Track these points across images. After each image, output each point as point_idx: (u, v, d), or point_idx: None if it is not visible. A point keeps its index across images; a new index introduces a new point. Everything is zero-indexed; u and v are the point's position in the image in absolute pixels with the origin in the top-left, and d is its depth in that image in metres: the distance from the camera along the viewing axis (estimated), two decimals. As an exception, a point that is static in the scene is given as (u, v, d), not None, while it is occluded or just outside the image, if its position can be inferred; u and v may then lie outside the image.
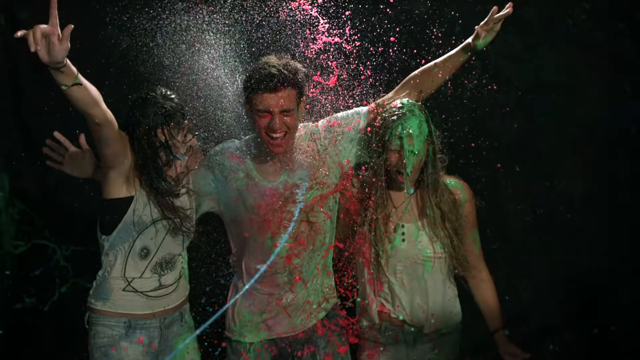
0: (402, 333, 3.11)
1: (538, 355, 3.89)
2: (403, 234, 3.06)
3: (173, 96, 2.95)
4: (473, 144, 3.65)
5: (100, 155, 2.86)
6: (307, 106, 3.10)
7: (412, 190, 3.04)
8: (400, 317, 3.09)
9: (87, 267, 3.37)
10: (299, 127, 3.08)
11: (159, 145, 2.88)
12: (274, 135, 2.93)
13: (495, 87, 3.77)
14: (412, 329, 3.09)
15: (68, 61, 2.47)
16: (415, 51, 3.33)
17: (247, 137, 3.15)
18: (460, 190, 3.10)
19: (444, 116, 3.33)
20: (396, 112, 2.96)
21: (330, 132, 3.11)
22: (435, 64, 3.10)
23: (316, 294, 3.13)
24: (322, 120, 3.17)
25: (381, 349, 3.13)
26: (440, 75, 3.09)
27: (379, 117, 3.01)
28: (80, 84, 2.54)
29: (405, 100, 3.02)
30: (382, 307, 3.11)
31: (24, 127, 3.84)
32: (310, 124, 3.16)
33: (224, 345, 3.15)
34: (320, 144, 3.10)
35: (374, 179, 3.02)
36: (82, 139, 3.07)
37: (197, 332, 3.01)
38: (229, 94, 3.10)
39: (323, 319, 3.14)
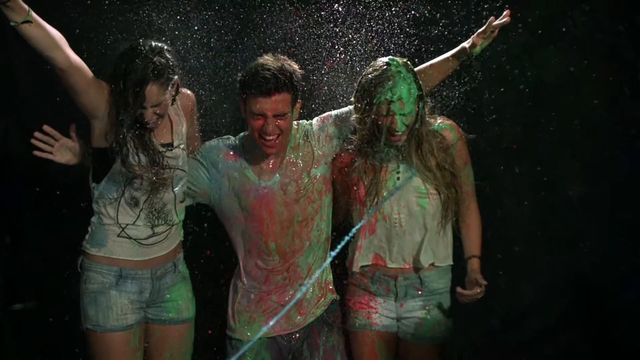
0: (394, 285, 3.09)
1: (538, 355, 3.90)
2: (398, 172, 3.04)
3: (164, 49, 2.82)
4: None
5: (77, 104, 2.80)
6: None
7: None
8: (396, 265, 3.07)
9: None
10: (294, 124, 3.08)
11: (141, 102, 2.76)
12: (267, 137, 2.94)
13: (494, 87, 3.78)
14: (406, 278, 3.07)
15: None
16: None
17: (241, 134, 3.16)
18: (449, 130, 3.09)
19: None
20: (383, 75, 2.91)
21: (325, 130, 3.12)
22: (431, 65, 3.12)
23: (314, 290, 3.13)
24: (316, 117, 3.18)
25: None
26: (435, 77, 3.12)
27: (364, 75, 2.96)
28: (31, 22, 2.51)
29: (390, 59, 2.96)
30: (377, 259, 3.09)
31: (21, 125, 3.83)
32: (305, 121, 3.17)
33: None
34: (315, 141, 3.10)
35: (363, 133, 2.99)
36: (73, 129, 3.00)
37: None
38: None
39: (322, 315, 3.15)
